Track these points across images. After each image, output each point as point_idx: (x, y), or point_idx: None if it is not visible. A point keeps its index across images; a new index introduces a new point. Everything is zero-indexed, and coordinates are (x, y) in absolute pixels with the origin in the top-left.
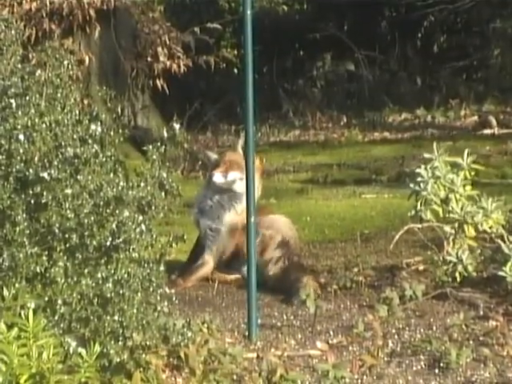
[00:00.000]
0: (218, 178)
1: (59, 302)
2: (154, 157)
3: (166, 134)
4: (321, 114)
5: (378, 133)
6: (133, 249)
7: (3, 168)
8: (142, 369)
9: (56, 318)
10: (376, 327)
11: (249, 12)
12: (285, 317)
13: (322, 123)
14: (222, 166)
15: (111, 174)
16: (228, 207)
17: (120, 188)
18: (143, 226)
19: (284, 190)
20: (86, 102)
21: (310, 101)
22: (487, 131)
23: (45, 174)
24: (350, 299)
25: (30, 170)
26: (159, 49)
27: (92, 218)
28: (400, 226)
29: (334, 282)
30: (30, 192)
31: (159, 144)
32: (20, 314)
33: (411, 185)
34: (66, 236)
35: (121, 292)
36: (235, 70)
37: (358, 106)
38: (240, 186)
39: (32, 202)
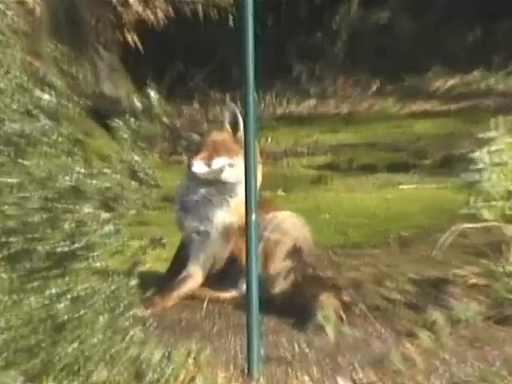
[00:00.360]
0: (198, 167)
1: None
2: (124, 135)
3: (139, 105)
4: (344, 79)
5: (420, 103)
6: (95, 256)
7: None
8: None
9: None
10: (416, 359)
11: None
12: (296, 346)
13: (345, 90)
14: (203, 150)
15: (66, 158)
16: (218, 202)
17: (78, 176)
18: (109, 227)
19: (295, 179)
20: (34, 63)
21: (329, 61)
22: None
23: None
24: (381, 323)
25: None
26: None
27: (41, 216)
28: (448, 227)
29: (360, 300)
30: None
31: (130, 118)
32: None
33: (463, 173)
34: (6, 240)
35: (79, 313)
36: (230, 21)
37: (392, 67)
38: (230, 175)
39: None
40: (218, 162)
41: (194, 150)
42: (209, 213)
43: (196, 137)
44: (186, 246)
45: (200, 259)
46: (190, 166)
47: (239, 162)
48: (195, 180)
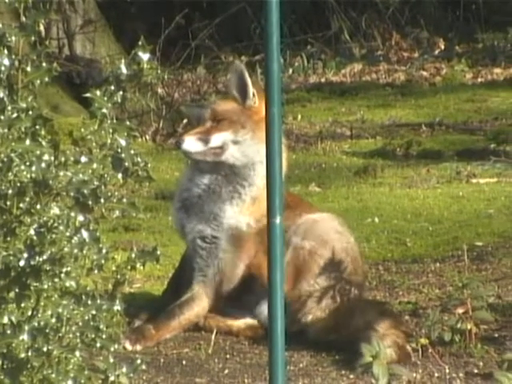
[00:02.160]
0: (190, 144)
1: None
2: (104, 110)
3: (124, 71)
4: (399, 36)
5: (501, 69)
6: (66, 273)
7: None
8: None
9: None
10: None
11: None
12: None
13: (401, 52)
14: (201, 124)
15: (27, 141)
16: (227, 195)
17: (44, 166)
18: (85, 233)
19: (334, 170)
20: None
21: (379, 13)
22: None
23: None
24: (450, 362)
25: None
26: None
27: None
28: None
29: (422, 332)
30: None
31: (113, 88)
32: None
33: None
34: None
35: (44, 349)
36: None
37: (465, 21)
38: (235, 155)
39: None
40: (217, 138)
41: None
42: (216, 211)
43: (197, 110)
44: (189, 257)
45: (207, 275)
46: (178, 143)
47: (247, 137)
48: (198, 168)
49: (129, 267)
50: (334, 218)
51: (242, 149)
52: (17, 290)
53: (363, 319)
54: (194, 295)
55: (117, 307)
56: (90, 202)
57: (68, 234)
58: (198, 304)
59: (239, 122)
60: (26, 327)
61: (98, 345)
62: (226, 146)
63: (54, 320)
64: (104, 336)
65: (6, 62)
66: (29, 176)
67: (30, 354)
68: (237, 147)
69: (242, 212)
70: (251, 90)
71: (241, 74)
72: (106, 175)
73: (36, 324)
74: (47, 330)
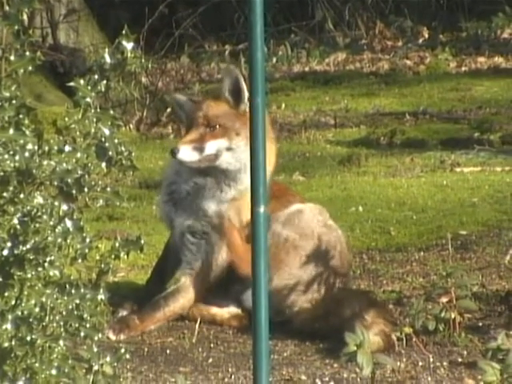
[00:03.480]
0: (186, 153)
1: None
2: (88, 99)
3: (108, 60)
4: (383, 25)
5: (485, 58)
6: (49, 262)
7: None
8: None
9: None
10: None
11: None
12: (319, 383)
13: (385, 40)
14: (193, 130)
15: (10, 131)
16: (216, 194)
17: (27, 155)
18: (69, 223)
19: (318, 159)
20: None
21: (363, 2)
22: None
23: None
24: (434, 351)
25: None
26: None
27: None
28: None
29: (406, 321)
30: None
31: (97, 77)
32: None
33: None
34: None
35: (28, 339)
36: None
37: (449, 10)
38: (229, 161)
39: None
40: (211, 146)
41: (181, 123)
42: (205, 207)
43: (187, 101)
44: (176, 248)
45: (194, 268)
46: (174, 152)
47: (241, 144)
48: (187, 165)
49: (113, 256)
50: (317, 208)
51: (235, 155)
52: (0, 280)
53: (350, 308)
54: (180, 287)
55: (101, 296)
56: (73, 192)
57: (52, 223)
58: (184, 296)
59: (233, 129)
60: (10, 316)
61: (82, 334)
62: (220, 152)
63: (37, 309)
64: (88, 325)
65: None
66: (12, 165)
67: (13, 343)
68: (231, 153)
69: (228, 208)
70: (246, 95)
71: (236, 78)
72: (89, 164)
73: (19, 313)
74: (31, 320)
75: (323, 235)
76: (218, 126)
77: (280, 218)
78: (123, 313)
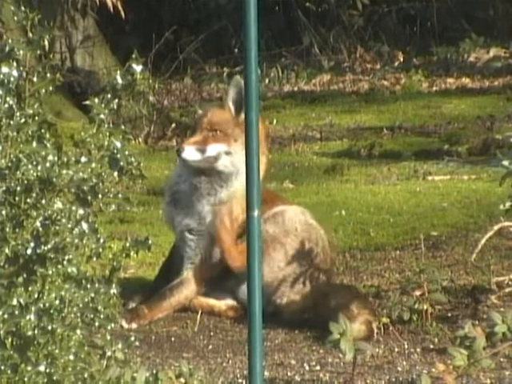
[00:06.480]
0: (190, 153)
1: None
2: (102, 116)
3: (120, 81)
4: (363, 50)
5: (454, 79)
6: (68, 260)
7: None
8: None
9: None
10: (449, 382)
11: None
12: (307, 367)
13: (365, 63)
14: (198, 133)
15: (34, 144)
16: (207, 194)
17: (48, 165)
18: (85, 225)
19: (305, 168)
20: None
21: (346, 29)
22: None
23: None
24: (408, 339)
25: None
26: None
27: (3, 213)
28: (487, 225)
29: (383, 312)
30: None
31: (110, 96)
32: None
33: (505, 161)
34: None
35: (49, 328)
36: None
37: (421, 36)
38: (226, 164)
39: None
40: (213, 149)
41: (186, 132)
42: (199, 207)
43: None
44: (178, 247)
45: (195, 262)
46: (179, 151)
47: (238, 149)
48: (187, 167)
49: (124, 255)
50: (303, 211)
51: (232, 159)
52: (24, 276)
53: (336, 300)
54: (184, 280)
55: (113, 290)
56: (89, 198)
57: (70, 225)
58: (187, 288)
59: (233, 135)
60: (33, 308)
61: (97, 324)
62: (220, 155)
63: (57, 302)
64: (102, 316)
65: (15, 73)
66: (35, 174)
67: (36, 332)
68: (228, 157)
69: (218, 209)
70: None
71: (240, 89)
72: (103, 173)
73: (41, 305)
74: (51, 311)
75: (304, 232)
76: (219, 132)
77: (266, 217)
78: (133, 305)
